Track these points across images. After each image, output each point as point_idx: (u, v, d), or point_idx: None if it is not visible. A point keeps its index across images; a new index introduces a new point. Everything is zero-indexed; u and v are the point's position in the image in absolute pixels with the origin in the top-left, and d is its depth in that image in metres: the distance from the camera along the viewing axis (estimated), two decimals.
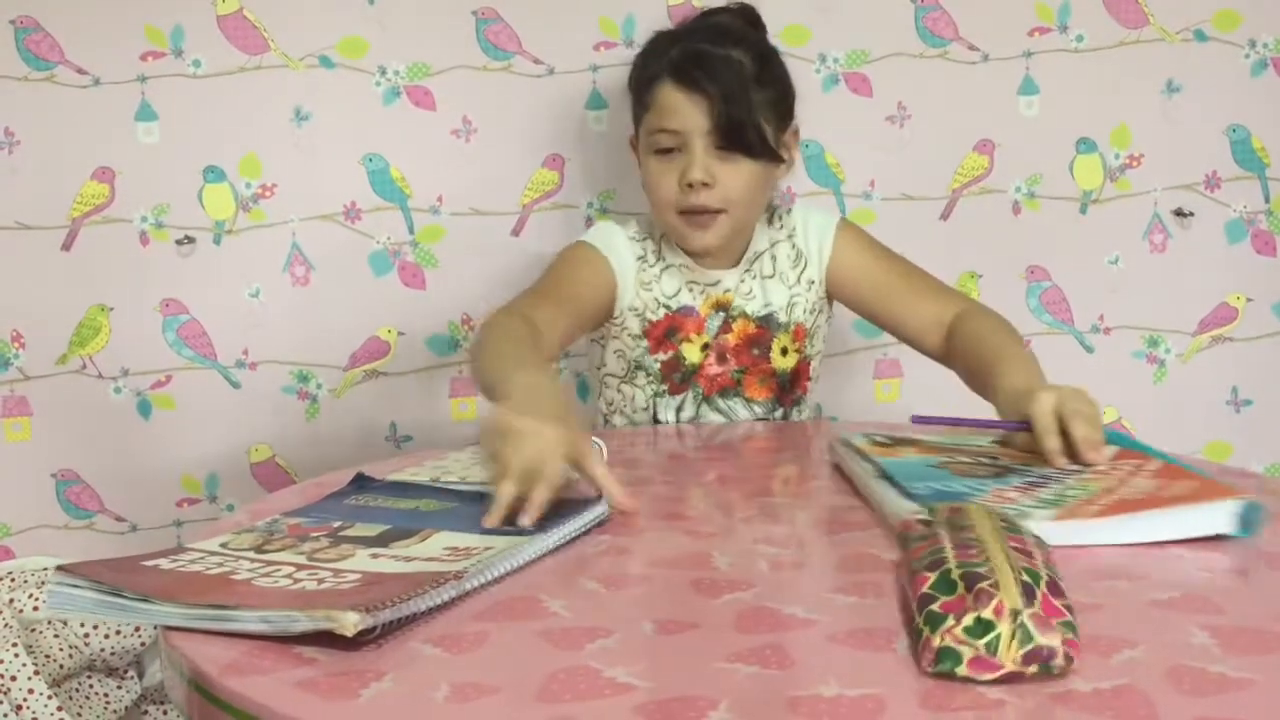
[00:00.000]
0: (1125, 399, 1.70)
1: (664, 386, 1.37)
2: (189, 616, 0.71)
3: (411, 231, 1.60)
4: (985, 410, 1.11)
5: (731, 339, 1.36)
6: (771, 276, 1.38)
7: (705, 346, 1.36)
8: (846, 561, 0.84)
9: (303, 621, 0.67)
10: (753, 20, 1.40)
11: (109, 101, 1.52)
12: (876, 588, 0.77)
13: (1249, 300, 1.69)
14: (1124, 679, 0.61)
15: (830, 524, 0.96)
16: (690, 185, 1.27)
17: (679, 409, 1.38)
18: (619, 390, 1.40)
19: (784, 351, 1.38)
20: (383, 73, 1.57)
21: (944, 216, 1.65)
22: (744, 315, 1.36)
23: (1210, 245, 1.68)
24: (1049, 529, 0.79)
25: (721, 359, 1.36)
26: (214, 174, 1.55)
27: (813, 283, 1.38)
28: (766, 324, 1.37)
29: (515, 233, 1.62)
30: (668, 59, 1.30)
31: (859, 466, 1.00)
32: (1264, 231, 1.68)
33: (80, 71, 1.51)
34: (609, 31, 1.59)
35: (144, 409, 1.58)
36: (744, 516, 0.97)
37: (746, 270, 1.38)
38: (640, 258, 1.36)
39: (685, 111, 1.27)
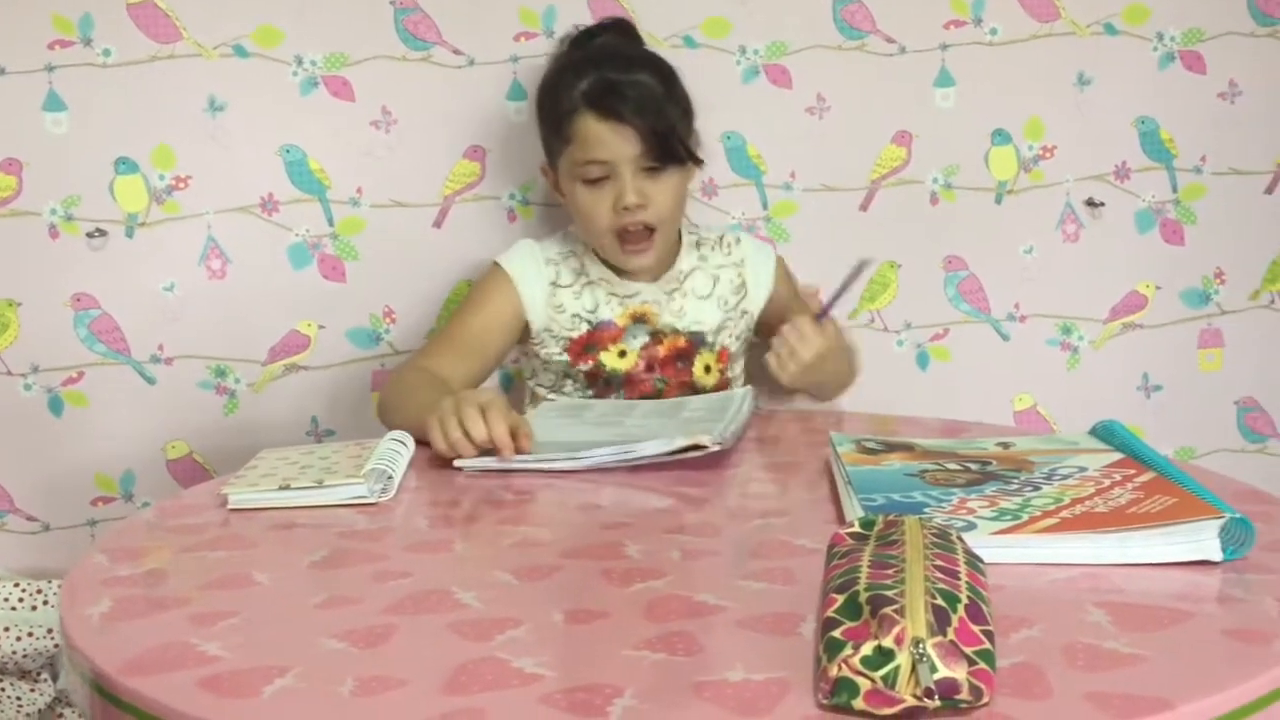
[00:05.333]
0: (1040, 385, 1.73)
1: (590, 392, 1.42)
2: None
3: (331, 223, 1.58)
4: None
5: (661, 350, 1.41)
6: (707, 297, 1.44)
7: (623, 354, 1.40)
8: (760, 548, 0.85)
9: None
10: (631, 35, 1.48)
11: (15, 91, 1.48)
12: (786, 574, 0.78)
13: (1158, 288, 1.73)
14: (1020, 656, 0.63)
15: (744, 512, 0.97)
16: (626, 208, 1.33)
17: None
18: (549, 397, 1.43)
19: (706, 369, 1.43)
20: (299, 62, 1.55)
21: (863, 207, 1.67)
22: (674, 331, 1.42)
23: (1121, 234, 1.71)
24: (985, 545, 0.74)
25: (650, 368, 1.42)
26: (126, 165, 1.52)
27: (746, 313, 1.46)
28: (694, 340, 1.42)
29: (437, 224, 1.61)
30: (581, 92, 1.34)
31: (838, 473, 0.98)
32: (1172, 221, 1.72)
33: None
34: (529, 22, 1.59)
35: (55, 406, 1.55)
36: (659, 507, 0.98)
37: (675, 288, 1.43)
38: (553, 282, 1.41)
39: (612, 141, 1.33)
